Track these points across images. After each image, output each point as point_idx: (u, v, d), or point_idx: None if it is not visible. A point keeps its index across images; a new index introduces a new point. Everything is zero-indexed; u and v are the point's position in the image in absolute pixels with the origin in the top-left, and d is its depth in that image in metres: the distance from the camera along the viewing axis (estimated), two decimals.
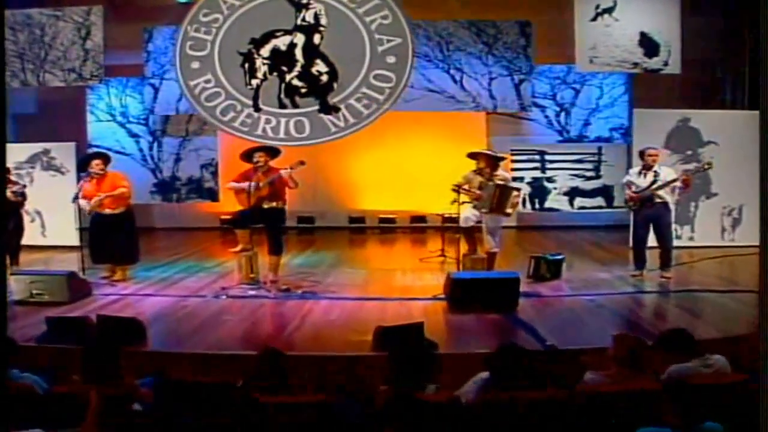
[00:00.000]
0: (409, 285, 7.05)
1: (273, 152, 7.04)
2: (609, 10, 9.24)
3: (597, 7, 9.27)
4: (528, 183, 10.83)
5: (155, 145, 11.21)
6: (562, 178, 10.89)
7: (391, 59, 8.82)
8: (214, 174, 11.20)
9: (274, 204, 6.95)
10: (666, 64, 9.14)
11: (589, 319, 5.65)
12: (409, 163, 11.43)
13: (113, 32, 10.41)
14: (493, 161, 7.23)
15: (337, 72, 8.85)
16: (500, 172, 7.27)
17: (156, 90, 10.57)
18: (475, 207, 7.06)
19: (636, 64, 9.23)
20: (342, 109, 8.87)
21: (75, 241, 8.62)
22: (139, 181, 10.94)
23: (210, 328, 5.33)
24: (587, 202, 10.97)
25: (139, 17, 10.54)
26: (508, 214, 7.04)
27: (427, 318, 5.60)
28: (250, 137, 8.73)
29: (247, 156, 6.95)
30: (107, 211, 7.13)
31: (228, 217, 11.67)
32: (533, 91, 10.66)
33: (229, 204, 11.70)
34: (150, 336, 5.02)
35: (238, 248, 7.08)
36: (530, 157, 10.86)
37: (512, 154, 10.78)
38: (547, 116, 11.14)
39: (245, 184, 6.83)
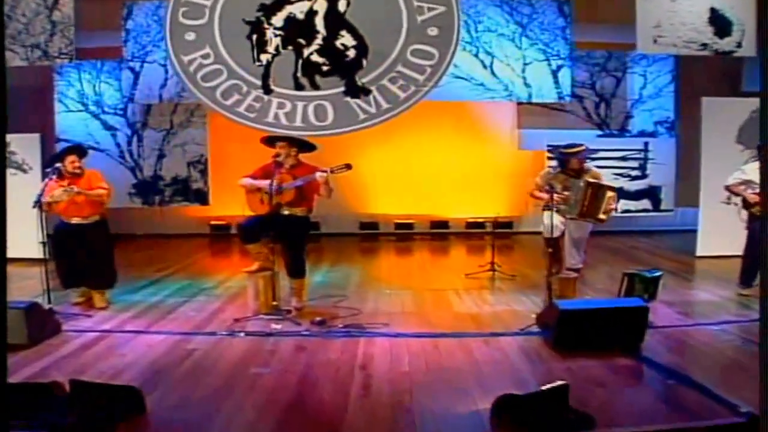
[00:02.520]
0: (474, 312, 5.37)
1: (301, 144, 5.32)
2: None
3: None
4: None
5: (134, 139, 9.31)
6: (605, 177, 9.31)
7: (432, 31, 7.12)
8: (203, 173, 9.37)
9: (297, 211, 5.26)
10: (739, 45, 7.67)
11: (748, 363, 4.06)
12: (427, 160, 9.77)
13: (87, 8, 8.55)
14: (581, 156, 5.61)
15: (366, 46, 7.08)
16: (589, 167, 5.65)
17: (136, 75, 8.67)
18: (558, 212, 5.42)
19: (705, 45, 7.73)
20: (373, 92, 7.13)
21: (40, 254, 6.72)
22: (116, 181, 8.95)
23: (237, 392, 3.56)
24: (632, 204, 9.49)
25: None
26: (602, 221, 5.43)
27: (532, 364, 3.99)
28: (258, 125, 6.94)
29: (270, 142, 5.23)
30: (76, 220, 5.36)
31: (219, 222, 10.01)
32: (573, 78, 9.11)
33: (220, 207, 9.96)
34: (150, 409, 3.25)
35: (255, 267, 5.34)
36: None
37: (548, 151, 9.23)
38: (585, 107, 9.58)
39: (263, 183, 5.10)
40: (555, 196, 5.36)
